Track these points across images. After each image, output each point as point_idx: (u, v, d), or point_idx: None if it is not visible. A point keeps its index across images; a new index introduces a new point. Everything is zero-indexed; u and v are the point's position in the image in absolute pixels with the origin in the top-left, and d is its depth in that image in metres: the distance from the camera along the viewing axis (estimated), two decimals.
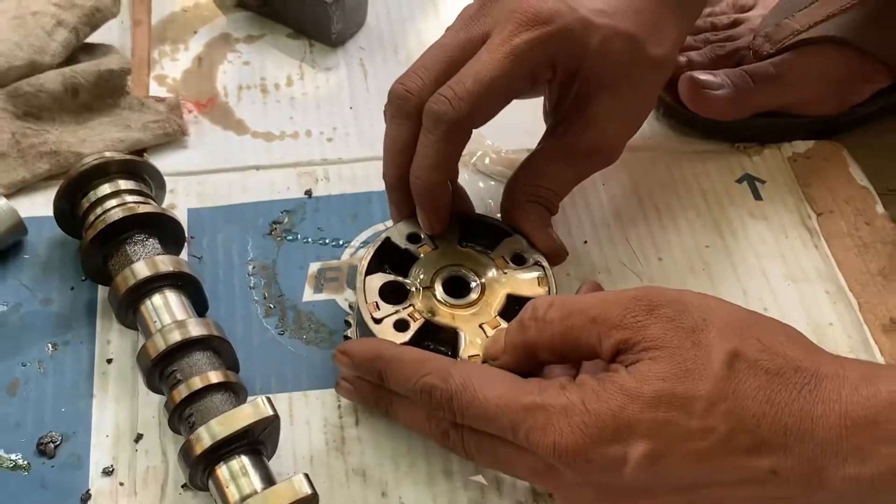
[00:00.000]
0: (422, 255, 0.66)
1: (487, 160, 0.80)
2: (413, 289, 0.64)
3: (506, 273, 0.65)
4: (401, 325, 0.62)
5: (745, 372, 0.50)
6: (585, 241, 0.76)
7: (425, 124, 0.62)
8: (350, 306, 0.70)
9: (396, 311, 0.63)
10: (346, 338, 0.68)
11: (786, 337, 0.53)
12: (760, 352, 0.51)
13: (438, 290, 0.64)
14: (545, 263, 0.65)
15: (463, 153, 0.80)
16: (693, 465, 0.50)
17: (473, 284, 0.64)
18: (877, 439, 0.48)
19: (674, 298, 0.53)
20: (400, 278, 0.65)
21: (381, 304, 0.63)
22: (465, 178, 0.79)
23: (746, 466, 0.50)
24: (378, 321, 0.62)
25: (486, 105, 0.63)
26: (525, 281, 0.65)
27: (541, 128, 0.84)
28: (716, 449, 0.50)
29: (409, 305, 0.63)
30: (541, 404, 0.53)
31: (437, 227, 0.65)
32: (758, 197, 0.79)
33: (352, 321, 0.68)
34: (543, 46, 0.62)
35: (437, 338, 0.63)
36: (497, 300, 0.64)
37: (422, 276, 0.65)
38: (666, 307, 0.53)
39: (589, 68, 0.65)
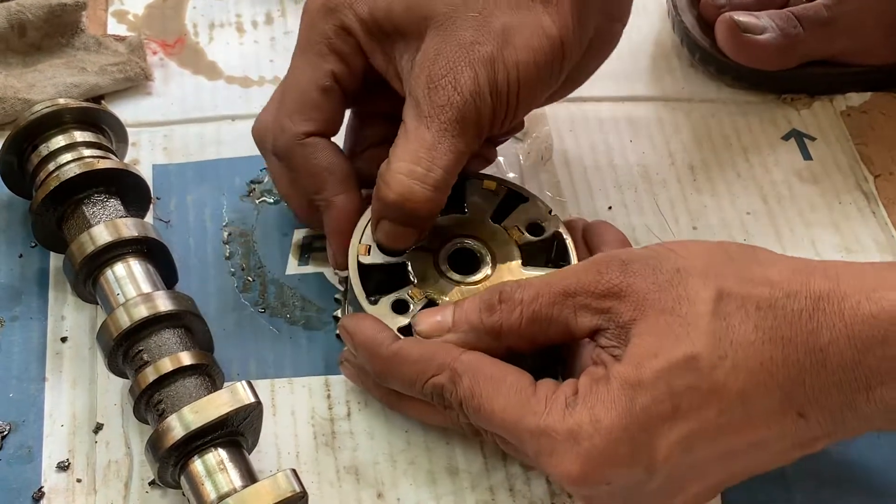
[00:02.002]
0: None
1: None
2: None
3: (521, 245, 0.64)
4: (399, 307, 0.62)
5: (736, 314, 0.52)
6: (610, 207, 0.76)
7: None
8: (340, 282, 0.70)
9: (395, 290, 0.62)
10: (336, 319, 0.68)
11: (759, 263, 0.55)
12: (743, 285, 0.53)
13: (443, 264, 0.64)
14: (567, 237, 0.65)
15: None
16: (719, 437, 0.52)
17: (483, 259, 0.64)
18: (892, 357, 0.51)
19: (644, 254, 0.55)
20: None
21: None
22: None
23: (772, 420, 0.52)
24: (374, 301, 0.62)
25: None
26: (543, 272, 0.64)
27: None
28: (736, 414, 0.52)
29: (410, 283, 0.63)
30: (545, 430, 0.53)
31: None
32: (807, 156, 0.79)
33: (342, 299, 0.67)
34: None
35: None
36: (512, 277, 0.63)
37: (426, 248, 0.64)
38: (637, 262, 0.54)
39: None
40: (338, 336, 0.67)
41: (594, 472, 0.52)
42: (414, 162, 0.59)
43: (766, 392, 0.51)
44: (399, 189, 0.59)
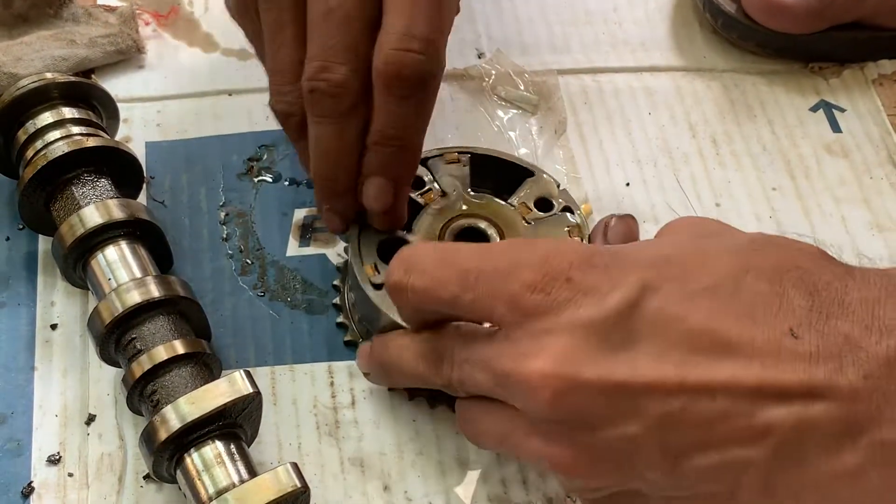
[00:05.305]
0: (427, 205, 0.65)
1: (508, 84, 0.79)
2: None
3: (529, 223, 0.64)
4: None
5: (767, 245, 0.51)
6: (628, 184, 0.75)
7: (395, 91, 0.58)
8: (338, 268, 0.69)
9: None
10: (336, 306, 0.68)
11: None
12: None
13: None
14: (578, 209, 0.65)
15: (477, 75, 0.79)
16: (688, 309, 0.48)
17: (492, 238, 0.64)
18: None
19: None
20: (402, 233, 0.64)
21: (382, 265, 0.62)
22: (481, 108, 0.78)
23: (759, 315, 0.48)
24: (378, 287, 0.61)
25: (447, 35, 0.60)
26: (553, 232, 0.64)
27: (571, 43, 0.83)
28: (721, 286, 0.49)
29: None
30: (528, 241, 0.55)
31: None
32: (836, 128, 0.79)
33: (341, 286, 0.67)
34: None
35: None
36: None
37: (429, 230, 0.64)
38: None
39: None
40: (338, 324, 0.67)
41: (565, 263, 0.50)
42: None
43: (768, 282, 0.48)
44: None
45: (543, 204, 0.65)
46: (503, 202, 0.65)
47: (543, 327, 0.49)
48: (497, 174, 0.67)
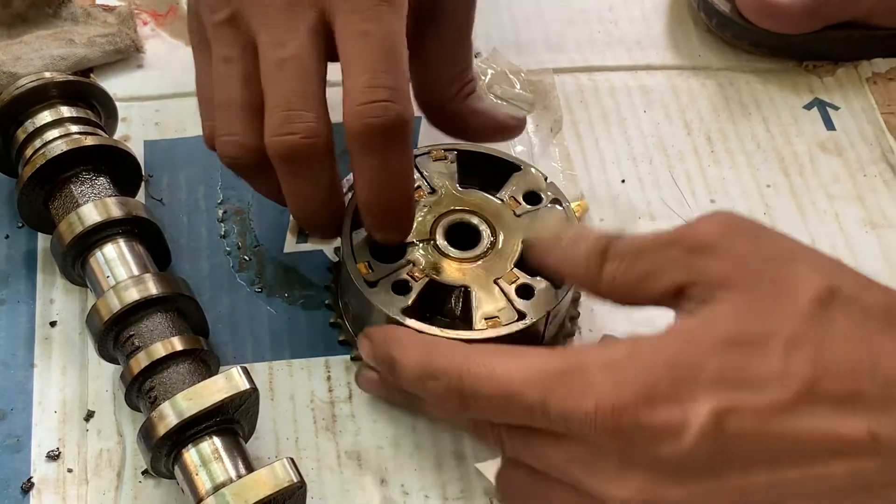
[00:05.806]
0: (417, 201, 0.65)
1: (504, 83, 0.79)
2: (411, 242, 0.64)
3: (519, 215, 0.64)
4: (400, 288, 0.62)
5: (840, 309, 0.49)
6: (623, 180, 0.75)
7: (372, 145, 0.57)
8: (329, 269, 0.70)
9: (395, 270, 0.62)
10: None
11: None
12: (860, 288, 0.50)
13: (441, 241, 0.63)
14: (566, 201, 0.65)
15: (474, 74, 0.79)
16: (769, 424, 0.48)
17: (482, 232, 0.64)
18: None
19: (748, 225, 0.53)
20: None
21: (375, 263, 0.62)
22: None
23: (837, 425, 0.47)
24: (373, 284, 0.62)
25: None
26: (544, 223, 0.64)
27: (567, 42, 0.83)
28: (798, 400, 0.48)
29: (409, 262, 0.63)
30: (577, 364, 0.51)
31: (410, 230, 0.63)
32: (830, 126, 0.79)
33: (335, 287, 0.68)
34: None
35: (445, 300, 0.62)
36: (513, 249, 0.63)
37: (420, 226, 0.64)
38: (742, 224, 0.53)
39: None
40: (332, 324, 0.67)
41: (627, 404, 0.49)
42: None
43: (840, 387, 0.48)
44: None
45: (532, 197, 0.65)
46: (492, 197, 0.66)
47: (622, 460, 0.50)
48: (484, 170, 0.67)
